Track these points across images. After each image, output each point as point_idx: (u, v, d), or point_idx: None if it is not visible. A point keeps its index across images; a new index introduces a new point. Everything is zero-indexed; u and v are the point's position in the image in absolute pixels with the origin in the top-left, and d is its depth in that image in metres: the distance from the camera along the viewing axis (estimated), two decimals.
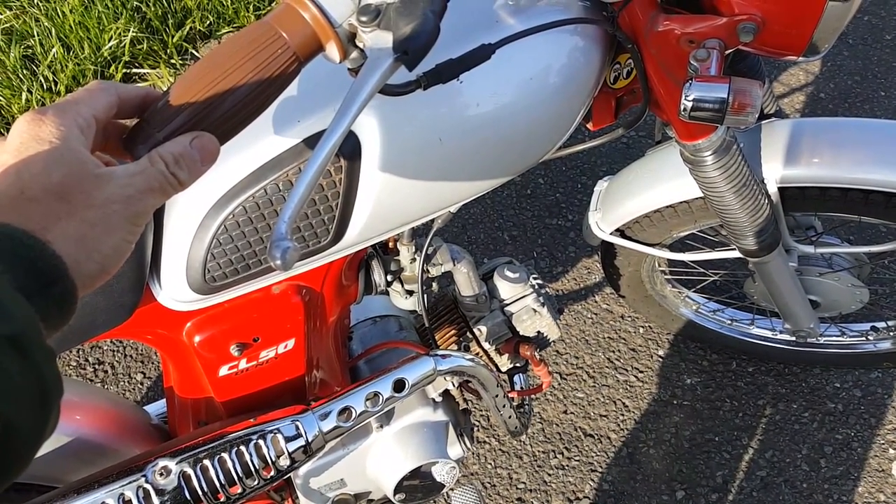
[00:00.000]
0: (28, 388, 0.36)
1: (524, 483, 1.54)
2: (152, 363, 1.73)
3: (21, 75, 2.14)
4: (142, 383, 1.70)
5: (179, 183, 0.47)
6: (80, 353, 1.75)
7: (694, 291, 1.57)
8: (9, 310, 0.35)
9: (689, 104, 0.77)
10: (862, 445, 1.55)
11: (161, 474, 0.82)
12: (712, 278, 1.51)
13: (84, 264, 0.42)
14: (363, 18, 0.53)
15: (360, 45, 0.56)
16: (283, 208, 0.51)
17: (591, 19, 0.81)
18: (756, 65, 1.04)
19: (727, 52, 0.81)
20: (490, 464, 1.57)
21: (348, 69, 0.59)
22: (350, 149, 0.74)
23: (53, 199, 0.41)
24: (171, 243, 0.78)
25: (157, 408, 1.17)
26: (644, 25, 0.83)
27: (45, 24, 2.19)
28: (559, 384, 1.67)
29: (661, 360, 1.69)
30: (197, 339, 0.85)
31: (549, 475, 1.55)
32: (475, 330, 1.09)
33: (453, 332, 1.10)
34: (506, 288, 1.09)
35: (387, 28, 0.54)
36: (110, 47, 2.19)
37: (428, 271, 1.00)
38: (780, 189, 1.11)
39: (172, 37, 2.26)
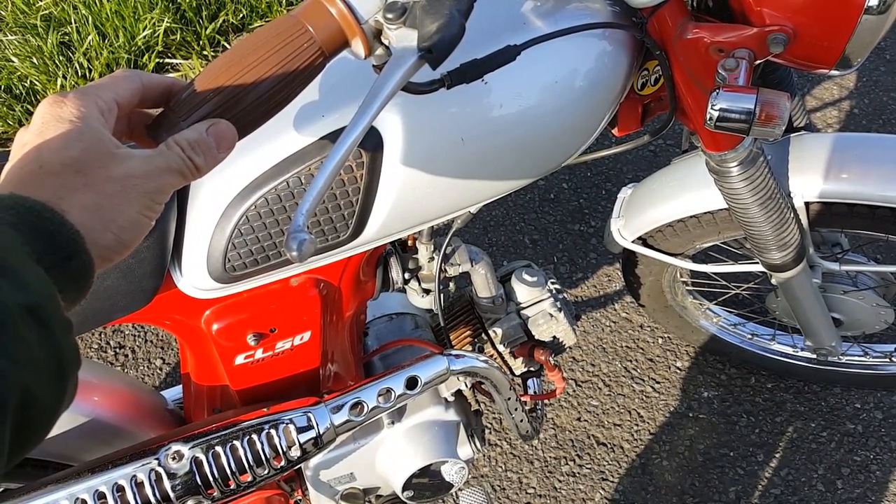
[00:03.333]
0: (46, 358, 0.36)
1: (534, 488, 1.54)
2: (172, 349, 1.75)
3: (57, 61, 2.18)
4: (160, 369, 1.73)
5: (196, 168, 0.48)
6: (102, 336, 1.78)
7: (715, 304, 1.55)
8: (28, 281, 0.36)
9: (716, 113, 0.76)
10: (881, 468, 1.52)
11: (173, 458, 0.83)
12: (734, 291, 1.49)
13: (100, 235, 0.42)
14: (389, 15, 0.54)
15: (386, 42, 0.56)
16: (302, 201, 0.52)
17: (619, 24, 0.80)
18: (787, 77, 1.02)
19: (757, 62, 0.80)
20: (500, 467, 1.56)
21: (373, 66, 0.59)
22: (372, 145, 0.74)
23: (71, 173, 0.42)
24: (194, 232, 0.79)
25: (173, 393, 1.19)
26: (673, 32, 0.82)
27: (83, 11, 2.23)
28: (574, 391, 1.66)
29: (678, 371, 1.67)
30: (215, 326, 0.86)
31: (560, 482, 1.54)
32: (490, 332, 1.09)
33: (468, 332, 1.10)
34: (523, 291, 1.09)
35: (412, 26, 0.54)
36: (144, 37, 2.23)
37: (445, 271, 1.00)
38: (806, 204, 1.09)
39: (206, 28, 2.29)
